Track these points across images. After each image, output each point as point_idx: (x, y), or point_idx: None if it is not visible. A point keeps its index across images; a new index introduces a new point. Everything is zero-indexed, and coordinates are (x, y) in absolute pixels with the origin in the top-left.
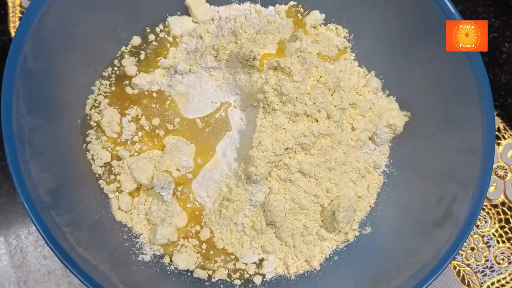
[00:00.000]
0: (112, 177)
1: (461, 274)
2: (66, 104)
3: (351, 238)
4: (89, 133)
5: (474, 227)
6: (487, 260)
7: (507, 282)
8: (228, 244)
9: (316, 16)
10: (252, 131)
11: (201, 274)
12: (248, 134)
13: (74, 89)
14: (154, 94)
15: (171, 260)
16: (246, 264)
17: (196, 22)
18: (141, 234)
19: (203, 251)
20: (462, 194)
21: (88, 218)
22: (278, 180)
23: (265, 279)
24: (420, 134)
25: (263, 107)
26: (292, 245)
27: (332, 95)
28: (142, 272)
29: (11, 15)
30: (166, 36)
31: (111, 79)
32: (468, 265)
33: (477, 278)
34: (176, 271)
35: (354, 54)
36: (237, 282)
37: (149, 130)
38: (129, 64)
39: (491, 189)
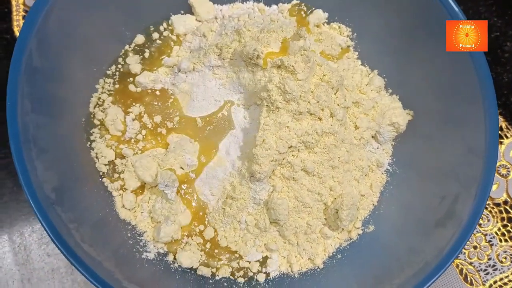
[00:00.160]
0: (116, 175)
1: (463, 273)
2: (70, 103)
3: (354, 236)
4: (93, 132)
5: (477, 225)
6: (489, 259)
7: (510, 281)
8: (232, 242)
9: (319, 15)
10: (255, 129)
11: (205, 271)
12: (252, 133)
13: (78, 87)
14: (158, 93)
15: (175, 258)
16: (249, 262)
17: (199, 21)
18: (145, 232)
19: (207, 249)
20: (465, 193)
21: (92, 216)
22: (282, 178)
23: (269, 278)
24: (423, 132)
25: (266, 105)
26: (296, 243)
27: (335, 93)
28: (146, 270)
29: (14, 13)
30: (170, 34)
31: (115, 78)
32: (470, 263)
33: (480, 276)
34: (180, 269)
35: (357, 53)
36: (241, 280)
37: (151, 128)
38: (133, 62)
39: (494, 187)
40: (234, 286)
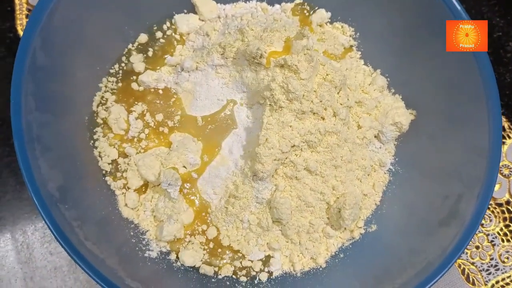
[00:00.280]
0: (119, 174)
1: (465, 273)
2: (73, 101)
3: (357, 236)
4: (96, 131)
5: (479, 226)
6: (491, 259)
7: None
8: (234, 241)
9: (322, 14)
10: (258, 128)
11: (207, 270)
12: (255, 132)
13: (81, 86)
14: (160, 91)
15: (177, 257)
16: (252, 261)
17: (202, 20)
18: (147, 230)
19: (210, 248)
20: (467, 193)
21: (95, 214)
22: (285, 177)
23: (271, 277)
24: (425, 132)
25: (269, 104)
26: (298, 242)
27: (338, 93)
28: (148, 268)
29: (17, 12)
30: (173, 33)
31: (118, 76)
32: (473, 263)
33: (482, 276)
34: (182, 268)
35: (360, 53)
36: (243, 279)
37: (154, 126)
38: (137, 61)
39: (496, 188)
40: (236, 285)
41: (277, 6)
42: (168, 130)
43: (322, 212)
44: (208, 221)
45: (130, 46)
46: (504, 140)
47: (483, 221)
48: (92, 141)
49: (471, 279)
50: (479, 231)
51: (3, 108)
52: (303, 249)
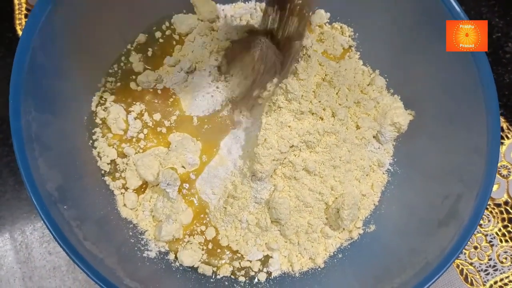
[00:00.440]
0: (118, 174)
1: (464, 273)
2: (72, 101)
3: (355, 236)
4: (95, 131)
5: (477, 226)
6: (490, 259)
7: (510, 281)
8: (233, 241)
9: (321, 15)
10: (257, 128)
11: (206, 269)
12: (253, 132)
13: (80, 86)
14: (159, 92)
15: (176, 257)
16: (250, 262)
17: (201, 20)
18: (146, 230)
19: (208, 249)
20: (466, 193)
21: (94, 214)
22: (283, 177)
23: (270, 277)
24: (424, 133)
25: (268, 105)
26: (297, 242)
27: (337, 93)
28: (147, 268)
29: (16, 12)
30: (172, 34)
31: (117, 76)
32: (471, 263)
33: (480, 277)
34: (181, 268)
35: (359, 53)
36: (242, 279)
37: (152, 126)
38: (136, 61)
39: (494, 188)
40: (235, 285)
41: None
42: (166, 130)
43: (321, 212)
44: (206, 221)
45: (129, 46)
46: (502, 141)
47: (481, 222)
48: (91, 141)
49: (469, 279)
50: (477, 232)
51: (2, 107)
52: (301, 249)
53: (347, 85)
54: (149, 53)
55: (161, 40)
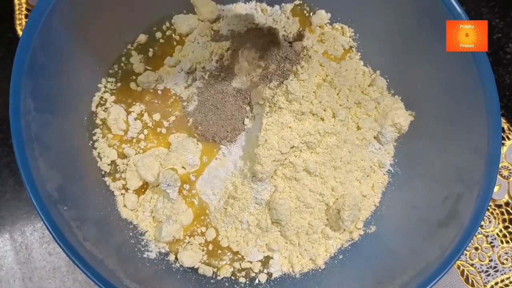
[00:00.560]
0: (118, 174)
1: (465, 274)
2: (72, 102)
3: (356, 237)
4: (95, 132)
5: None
6: (491, 260)
7: (511, 282)
8: (233, 242)
9: (322, 15)
10: (258, 129)
11: (206, 270)
12: (254, 132)
13: (80, 86)
14: (159, 92)
15: (176, 258)
16: (251, 263)
17: (202, 21)
18: (146, 231)
19: (209, 250)
20: (467, 194)
21: (94, 215)
22: (284, 178)
23: (270, 278)
24: (425, 133)
25: (269, 105)
26: (297, 243)
27: (337, 94)
28: (147, 269)
29: (17, 12)
30: (173, 34)
31: (117, 77)
32: (472, 264)
33: (481, 278)
34: (181, 269)
35: (359, 54)
36: (242, 280)
37: (152, 127)
38: (137, 62)
39: (495, 189)
40: (235, 286)
41: (276, 7)
42: (166, 130)
43: (321, 213)
44: (207, 222)
45: (129, 46)
46: (503, 142)
47: (482, 223)
48: (91, 142)
49: (470, 280)
50: (478, 233)
51: (2, 108)
52: (302, 250)
53: (348, 85)
54: (150, 54)
55: (161, 41)
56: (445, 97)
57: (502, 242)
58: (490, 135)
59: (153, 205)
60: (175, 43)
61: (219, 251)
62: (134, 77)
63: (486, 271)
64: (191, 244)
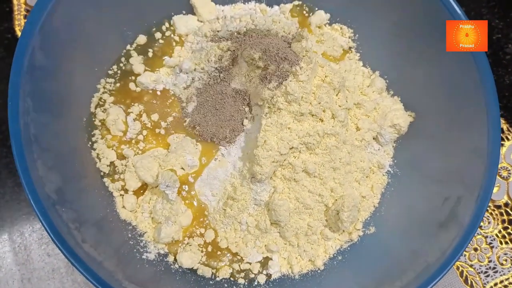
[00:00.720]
0: (117, 175)
1: (464, 275)
2: (71, 102)
3: (355, 238)
4: (94, 133)
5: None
6: (490, 261)
7: (510, 283)
8: (232, 243)
9: (321, 16)
10: (257, 130)
11: (205, 271)
12: (253, 133)
13: (79, 87)
14: (158, 93)
15: (175, 259)
16: (250, 264)
17: (201, 21)
18: (145, 232)
19: (208, 251)
20: (466, 195)
21: (93, 216)
22: (283, 179)
23: (269, 279)
24: (424, 134)
25: (268, 106)
26: (296, 244)
27: (337, 95)
28: (146, 271)
29: (16, 12)
30: (172, 35)
31: (116, 77)
32: (471, 265)
33: (480, 278)
34: (180, 270)
35: (358, 54)
36: (241, 281)
37: (151, 127)
38: (136, 63)
39: (495, 190)
40: (234, 287)
41: (276, 7)
42: (165, 131)
43: (321, 214)
44: (205, 223)
45: (128, 47)
46: (502, 142)
47: (481, 223)
48: (90, 143)
49: (469, 281)
50: (477, 233)
51: (1, 108)
52: (301, 251)
53: (347, 86)
54: (149, 54)
55: (161, 41)
56: (444, 98)
57: (501, 243)
58: (489, 135)
59: (152, 206)
60: (174, 43)
61: (218, 252)
62: (133, 78)
63: (485, 272)
64: (190, 245)
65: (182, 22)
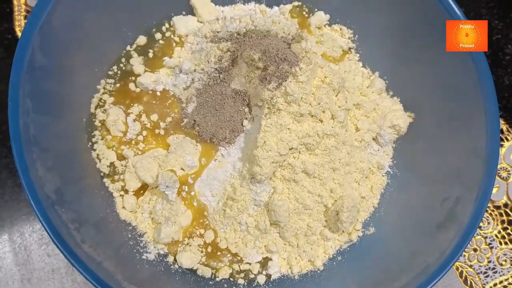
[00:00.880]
0: (117, 176)
1: (463, 275)
2: (71, 103)
3: (355, 239)
4: (94, 134)
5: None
6: (489, 262)
7: (510, 283)
8: (232, 243)
9: (320, 16)
10: (257, 130)
11: (205, 271)
12: (253, 134)
13: (79, 88)
14: (158, 93)
15: (175, 259)
16: (250, 264)
17: (201, 22)
18: (145, 233)
19: (207, 251)
20: (466, 196)
21: (92, 216)
22: (283, 180)
23: (269, 280)
24: (424, 135)
25: (268, 107)
26: (296, 245)
27: (336, 95)
28: (146, 271)
29: (16, 13)
30: (172, 36)
31: (116, 78)
32: (470, 266)
33: (480, 279)
34: (180, 270)
35: (358, 55)
36: (241, 281)
37: (150, 127)
38: (137, 63)
39: (494, 190)
40: (234, 287)
41: (275, 8)
42: (164, 131)
43: (320, 214)
44: (205, 224)
45: (128, 47)
46: (502, 143)
47: (480, 224)
48: (90, 143)
49: (469, 281)
50: (476, 234)
51: (1, 109)
52: (301, 251)
53: (347, 87)
54: (149, 55)
55: (161, 42)
56: (444, 99)
57: (500, 243)
58: (488, 136)
59: (152, 207)
60: (174, 44)
61: (218, 253)
62: (133, 78)
63: (485, 273)
64: (190, 246)
65: (182, 23)
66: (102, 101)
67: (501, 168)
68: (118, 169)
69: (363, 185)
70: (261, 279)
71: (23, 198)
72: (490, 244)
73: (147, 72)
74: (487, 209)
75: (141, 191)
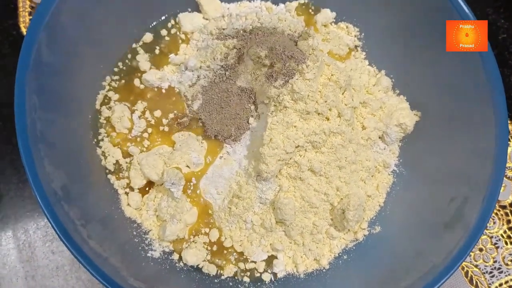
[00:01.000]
0: (122, 173)
1: (469, 275)
2: (77, 100)
3: (360, 237)
4: (100, 132)
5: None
6: (495, 261)
7: None
8: (237, 242)
9: (327, 14)
10: (263, 128)
11: (210, 268)
12: (259, 132)
13: (85, 84)
14: (163, 90)
15: (180, 257)
16: (255, 262)
17: (206, 19)
18: (150, 230)
19: (213, 249)
20: (473, 196)
21: (98, 213)
22: (288, 178)
23: (275, 278)
24: (430, 134)
25: (274, 104)
26: (302, 243)
27: (343, 93)
28: (151, 268)
29: (20, 9)
30: (177, 32)
31: (121, 75)
32: (476, 266)
33: (485, 279)
34: (185, 268)
35: (364, 53)
36: (246, 279)
37: (154, 124)
38: (143, 60)
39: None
40: (239, 285)
41: (281, 5)
42: (169, 128)
43: (326, 213)
44: (210, 222)
45: (134, 44)
46: (509, 143)
47: None
48: (95, 140)
49: (474, 281)
50: (482, 234)
51: (6, 106)
52: (306, 250)
53: (353, 85)
54: (155, 52)
55: (167, 39)
56: (451, 98)
57: (506, 243)
58: (497, 136)
59: (157, 204)
60: (180, 41)
61: (224, 252)
62: (138, 75)
63: (491, 272)
64: (195, 243)
65: (188, 20)
66: (108, 98)
67: (507, 168)
68: (123, 166)
69: (369, 184)
70: (267, 277)
71: (28, 194)
72: (495, 244)
73: (152, 69)
74: None
75: (146, 188)
